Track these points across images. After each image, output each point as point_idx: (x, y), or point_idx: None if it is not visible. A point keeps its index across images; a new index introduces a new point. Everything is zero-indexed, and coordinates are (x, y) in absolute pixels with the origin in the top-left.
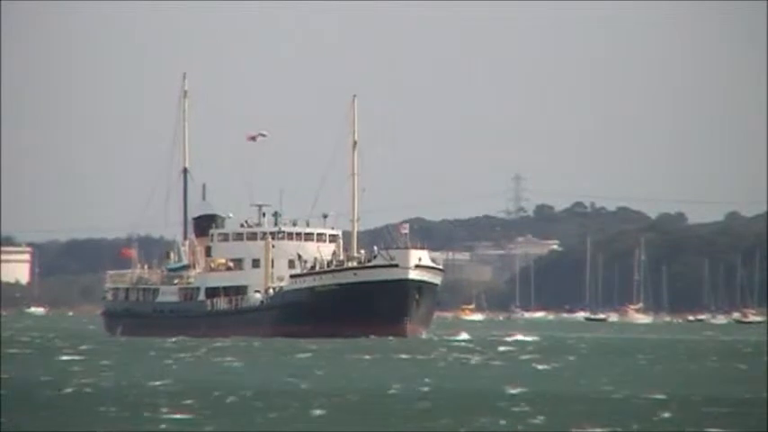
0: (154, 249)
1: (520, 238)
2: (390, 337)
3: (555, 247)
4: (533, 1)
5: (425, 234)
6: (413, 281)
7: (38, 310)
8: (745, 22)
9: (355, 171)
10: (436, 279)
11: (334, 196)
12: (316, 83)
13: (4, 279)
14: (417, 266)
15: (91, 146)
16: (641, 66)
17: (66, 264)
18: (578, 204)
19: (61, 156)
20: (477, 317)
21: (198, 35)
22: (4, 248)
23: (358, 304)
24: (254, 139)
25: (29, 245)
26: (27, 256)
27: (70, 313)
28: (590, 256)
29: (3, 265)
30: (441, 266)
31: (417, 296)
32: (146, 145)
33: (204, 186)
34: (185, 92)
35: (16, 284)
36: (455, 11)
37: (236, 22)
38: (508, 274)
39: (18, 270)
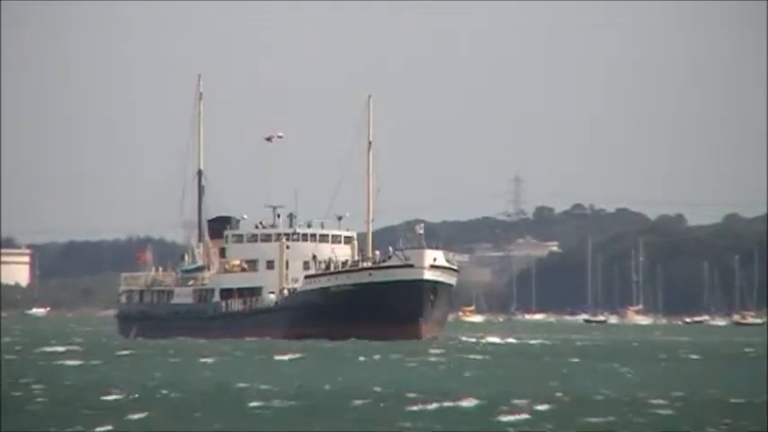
0: (154, 251)
1: (519, 240)
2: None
3: (555, 248)
4: (535, 2)
5: (425, 235)
6: (428, 281)
7: (38, 312)
8: (746, 22)
9: (370, 171)
10: (451, 279)
11: (349, 197)
12: (328, 84)
13: (4, 281)
14: (432, 267)
15: (91, 147)
16: (641, 67)
17: (65, 265)
18: (578, 206)
19: (61, 156)
20: (478, 318)
21: (212, 36)
22: (4, 250)
23: (372, 305)
24: (270, 140)
25: (29, 246)
26: (27, 258)
27: (70, 315)
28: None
29: (3, 266)
30: (455, 266)
31: (432, 297)
32: (146, 146)
33: (204, 187)
34: (200, 94)
35: (16, 286)
36: (455, 11)
37: (250, 23)
38: (508, 276)
39: (18, 272)
